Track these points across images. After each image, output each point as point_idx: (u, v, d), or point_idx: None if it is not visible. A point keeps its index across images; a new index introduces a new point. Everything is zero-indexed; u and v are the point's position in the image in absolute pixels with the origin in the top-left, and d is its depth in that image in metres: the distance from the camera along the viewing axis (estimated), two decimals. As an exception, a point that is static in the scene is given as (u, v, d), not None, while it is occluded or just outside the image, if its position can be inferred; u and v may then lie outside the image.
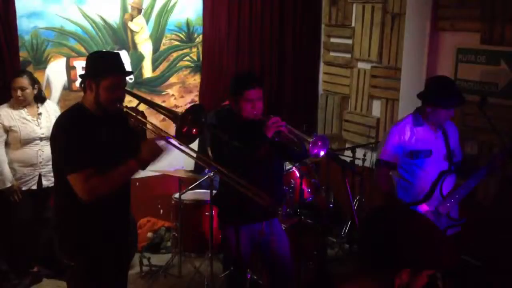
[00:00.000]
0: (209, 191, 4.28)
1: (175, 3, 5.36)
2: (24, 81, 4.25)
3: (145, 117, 2.86)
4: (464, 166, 3.70)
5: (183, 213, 4.61)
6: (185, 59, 5.55)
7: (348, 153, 5.19)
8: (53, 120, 4.03)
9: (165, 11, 5.33)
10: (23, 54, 4.67)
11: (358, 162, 5.13)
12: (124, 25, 5.13)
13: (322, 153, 3.13)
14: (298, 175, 4.65)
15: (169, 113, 2.88)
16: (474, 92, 4.36)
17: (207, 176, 4.40)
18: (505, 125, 3.98)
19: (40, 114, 4.35)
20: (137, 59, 5.27)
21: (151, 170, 3.48)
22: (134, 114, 2.83)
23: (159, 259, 4.95)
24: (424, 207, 3.49)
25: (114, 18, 5.08)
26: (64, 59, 4.92)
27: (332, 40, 5.97)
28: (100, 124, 2.82)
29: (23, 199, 4.30)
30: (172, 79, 5.52)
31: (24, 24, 4.65)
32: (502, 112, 4.19)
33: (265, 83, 3.50)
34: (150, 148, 2.73)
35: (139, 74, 5.31)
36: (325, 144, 3.12)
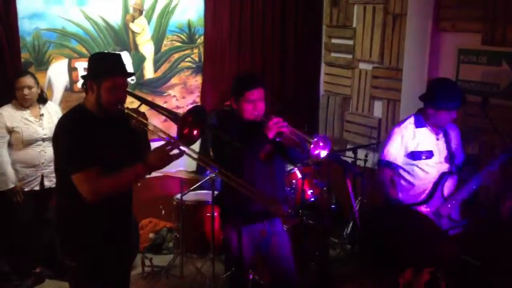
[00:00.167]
0: (210, 192, 4.28)
1: (177, 4, 5.36)
2: (30, 80, 4.27)
3: (146, 118, 2.87)
4: (466, 167, 3.70)
5: (185, 214, 4.61)
6: (186, 60, 5.56)
7: (349, 153, 5.19)
8: (55, 121, 4.04)
9: (167, 12, 5.34)
10: (24, 55, 4.68)
11: (360, 163, 5.12)
12: (125, 26, 5.14)
13: (323, 153, 3.13)
14: (299, 175, 4.65)
15: (171, 114, 2.89)
16: (475, 93, 4.36)
17: (208, 177, 4.40)
18: (507, 126, 3.98)
19: (42, 115, 4.36)
20: (139, 60, 5.28)
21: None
22: (136, 115, 2.83)
23: (161, 259, 4.95)
24: (425, 208, 3.49)
25: (115, 19, 5.08)
26: (65, 60, 4.93)
27: (334, 41, 5.97)
28: (101, 125, 2.82)
29: (25, 200, 4.31)
30: (174, 80, 5.52)
31: (25, 25, 4.65)
32: (503, 112, 4.19)
33: (266, 84, 3.50)
34: (159, 154, 2.73)
35: (141, 75, 5.32)
36: (326, 145, 3.12)
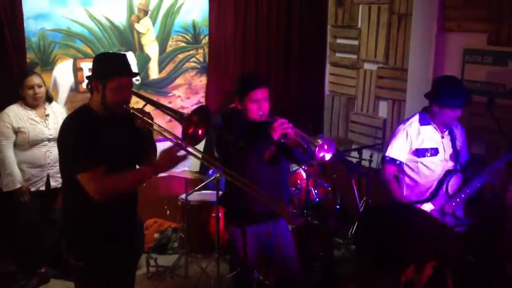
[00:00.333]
0: (215, 192, 4.29)
1: (181, 4, 5.37)
2: (38, 79, 4.29)
3: (151, 118, 2.87)
4: (470, 166, 3.69)
5: (190, 214, 4.62)
6: (191, 60, 5.56)
7: (354, 154, 5.18)
8: (60, 121, 4.05)
9: (172, 13, 5.34)
10: (30, 56, 4.69)
11: (365, 163, 5.12)
12: (130, 26, 5.15)
13: (328, 156, 3.13)
14: (304, 176, 4.65)
15: (175, 114, 2.89)
16: (481, 93, 4.34)
17: (213, 177, 4.40)
18: (513, 126, 3.97)
19: (47, 115, 4.37)
20: (144, 60, 5.29)
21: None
22: (141, 115, 2.84)
23: (165, 259, 4.96)
24: (429, 206, 3.49)
25: (120, 20, 5.09)
26: (71, 61, 4.94)
27: (338, 41, 5.96)
28: (107, 125, 2.83)
29: (31, 200, 4.32)
30: (179, 81, 5.53)
31: (31, 26, 4.67)
32: (509, 113, 4.17)
33: (271, 84, 3.50)
34: (168, 156, 2.74)
35: (146, 75, 5.33)
36: (331, 148, 3.12)
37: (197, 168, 5.18)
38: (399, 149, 3.64)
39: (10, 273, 4.46)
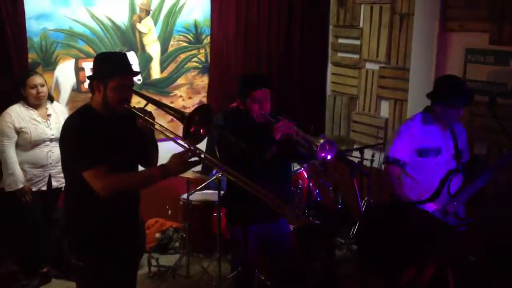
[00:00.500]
0: (217, 191, 4.28)
1: (183, 4, 5.37)
2: (40, 78, 4.30)
3: (153, 118, 2.87)
4: (472, 166, 3.69)
5: (191, 214, 4.62)
6: (193, 60, 5.57)
7: (356, 153, 5.18)
8: (61, 121, 4.05)
9: (173, 13, 5.34)
10: (32, 56, 4.70)
11: (366, 163, 5.11)
12: (132, 26, 5.15)
13: (329, 156, 3.14)
14: (306, 176, 4.64)
15: (177, 114, 2.89)
16: (483, 93, 4.33)
17: (215, 177, 4.40)
18: (515, 126, 3.96)
19: (49, 115, 4.37)
20: (145, 60, 5.29)
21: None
22: (142, 115, 2.84)
23: (167, 259, 4.96)
24: (431, 206, 3.49)
25: (122, 20, 5.10)
26: (72, 61, 4.95)
27: (340, 41, 5.96)
28: (108, 125, 2.83)
29: (33, 200, 4.32)
30: (180, 80, 5.53)
31: (33, 26, 4.67)
32: (511, 112, 4.17)
33: (272, 84, 3.52)
34: (178, 161, 2.74)
35: (147, 75, 5.33)
36: (332, 148, 3.12)
37: (198, 168, 5.17)
38: (402, 149, 3.63)
39: (12, 272, 4.47)
